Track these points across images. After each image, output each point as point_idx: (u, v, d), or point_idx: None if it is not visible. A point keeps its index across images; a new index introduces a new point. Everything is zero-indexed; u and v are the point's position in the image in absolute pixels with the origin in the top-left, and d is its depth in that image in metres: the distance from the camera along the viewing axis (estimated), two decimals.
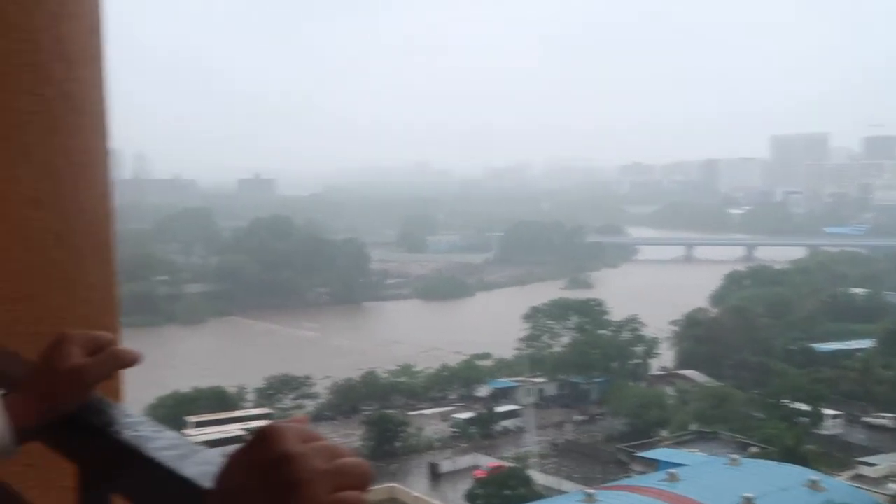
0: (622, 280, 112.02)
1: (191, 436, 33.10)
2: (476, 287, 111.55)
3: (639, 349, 66.13)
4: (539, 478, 46.73)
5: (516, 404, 59.87)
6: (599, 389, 61.32)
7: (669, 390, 59.77)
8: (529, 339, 68.58)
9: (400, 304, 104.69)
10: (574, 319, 69.07)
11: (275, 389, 58.70)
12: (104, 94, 2.34)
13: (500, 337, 69.77)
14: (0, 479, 1.38)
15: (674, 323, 70.96)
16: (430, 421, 57.29)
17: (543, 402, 61.81)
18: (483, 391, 62.47)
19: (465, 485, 46.46)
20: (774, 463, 42.35)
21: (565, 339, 67.65)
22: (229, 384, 57.48)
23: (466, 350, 69.28)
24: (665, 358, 68.36)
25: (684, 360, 67.02)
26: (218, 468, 0.91)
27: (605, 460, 51.92)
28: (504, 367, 66.70)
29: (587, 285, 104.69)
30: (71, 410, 1.30)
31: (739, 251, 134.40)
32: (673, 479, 38.77)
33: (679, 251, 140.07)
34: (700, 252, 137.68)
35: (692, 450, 49.28)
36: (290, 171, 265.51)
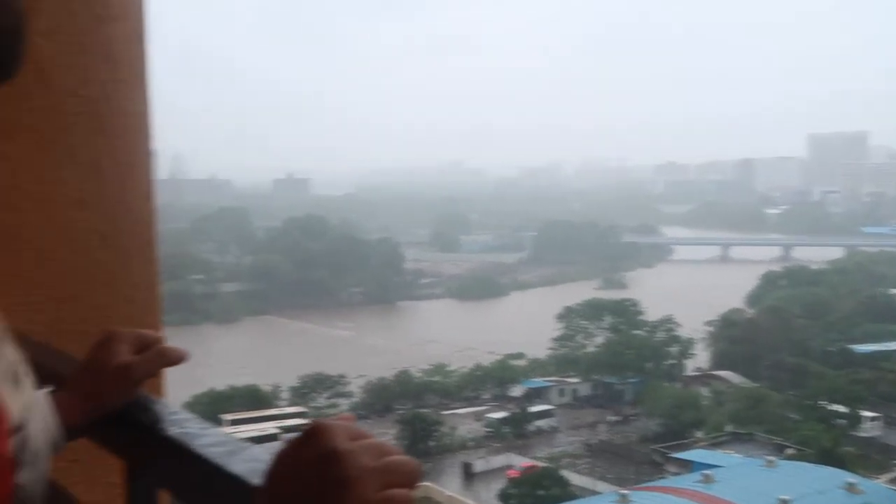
0: (657, 280, 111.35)
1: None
2: (509, 287, 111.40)
3: (674, 350, 65.72)
4: (573, 478, 46.56)
5: (550, 404, 59.74)
6: (634, 390, 61.03)
7: (704, 391, 59.33)
8: (563, 339, 68.38)
9: (433, 303, 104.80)
10: (608, 319, 68.78)
11: (309, 388, 59.01)
12: (147, 95, 2.37)
13: (534, 337, 69.62)
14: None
15: (709, 323, 70.44)
16: (464, 420, 57.29)
17: (577, 403, 61.66)
18: (516, 391, 62.37)
19: (498, 484, 46.42)
20: (811, 465, 41.90)
21: (599, 340, 67.39)
22: (264, 382, 57.88)
23: (500, 350, 69.22)
24: (700, 358, 67.88)
25: (720, 361, 66.49)
26: (266, 465, 0.91)
27: (639, 461, 51.64)
28: (537, 366, 66.57)
29: (621, 285, 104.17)
30: (118, 407, 1.32)
31: (776, 251, 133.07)
32: (708, 480, 38.48)
33: (714, 251, 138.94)
34: (736, 252, 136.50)
35: (727, 451, 48.88)
36: (324, 170, 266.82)
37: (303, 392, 58.82)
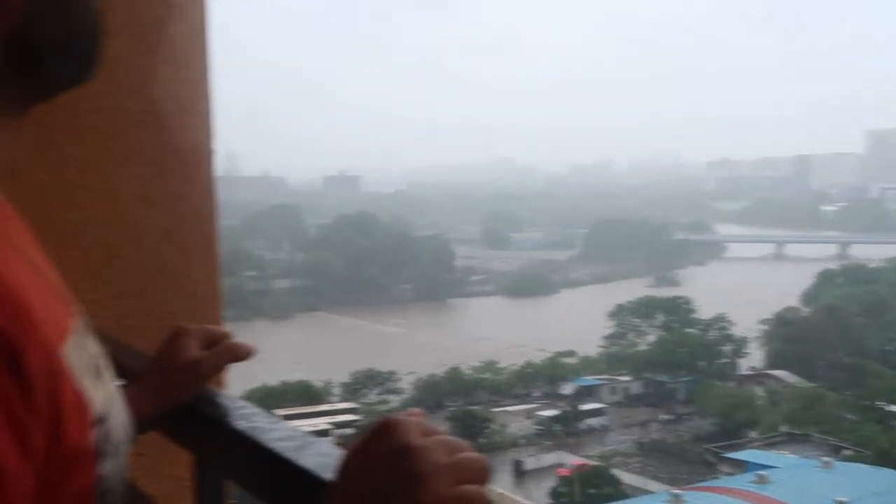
0: (710, 278, 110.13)
1: None
2: (560, 284, 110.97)
3: (727, 348, 64.95)
4: (624, 477, 46.29)
5: (601, 402, 59.44)
6: (686, 389, 60.48)
7: (759, 391, 58.59)
8: (615, 337, 67.96)
9: (484, 300, 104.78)
10: (660, 317, 68.18)
11: (360, 384, 59.35)
12: (209, 93, 2.41)
13: (585, 334, 69.29)
14: None
15: (764, 322, 69.52)
16: (514, 418, 57.21)
17: (629, 401, 61.27)
18: (567, 389, 62.11)
19: (549, 482, 46.29)
20: (869, 467, 41.15)
21: (651, 338, 66.84)
22: (316, 378, 58.33)
23: (551, 347, 69.00)
24: (754, 357, 67.04)
25: (774, 360, 65.60)
26: (337, 460, 0.91)
27: (691, 461, 51.16)
28: (589, 364, 66.25)
29: (674, 283, 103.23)
30: (187, 402, 1.34)
31: (832, 249, 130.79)
32: (762, 481, 37.98)
33: (769, 248, 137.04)
34: (791, 249, 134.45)
35: (782, 452, 48.16)
36: (375, 168, 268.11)
37: (354, 388, 59.17)
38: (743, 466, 44.66)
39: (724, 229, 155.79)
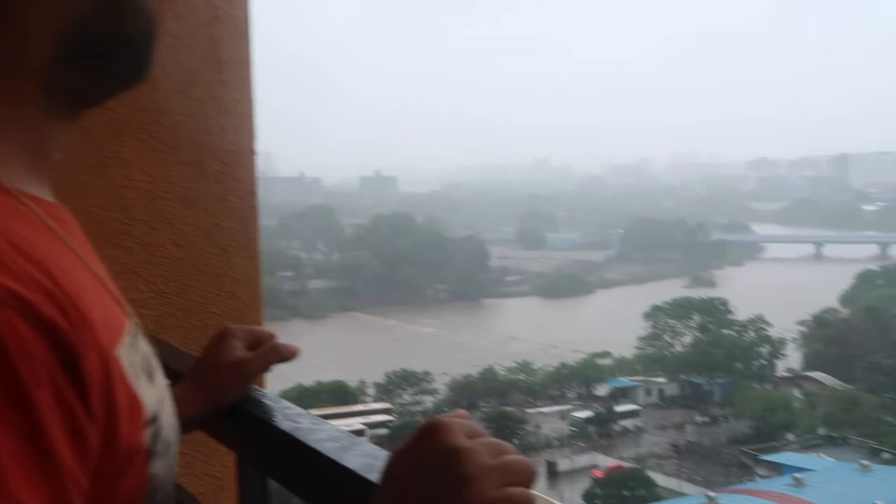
0: (747, 279, 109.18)
1: None
2: (596, 284, 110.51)
3: (764, 350, 64.32)
4: (659, 479, 46.01)
5: (636, 404, 59.11)
6: (722, 390, 59.99)
7: (796, 393, 57.99)
8: (650, 338, 67.57)
9: (519, 301, 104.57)
10: (697, 318, 67.68)
11: (394, 384, 59.42)
12: (251, 95, 2.43)
13: (620, 335, 68.97)
14: None
15: (801, 323, 68.77)
16: (549, 419, 57.06)
17: (664, 403, 60.90)
18: (602, 390, 61.87)
19: (583, 484, 46.11)
20: None
21: (687, 339, 66.38)
22: (350, 378, 58.51)
23: (585, 348, 68.75)
24: (792, 359, 66.37)
25: (812, 362, 64.88)
26: (382, 461, 0.91)
27: (727, 463, 50.73)
28: (624, 365, 65.93)
29: (710, 284, 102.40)
30: (232, 402, 1.35)
31: (872, 249, 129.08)
32: (799, 484, 37.61)
33: (807, 249, 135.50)
34: (830, 250, 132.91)
35: (820, 455, 47.65)
36: (410, 168, 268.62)
37: (388, 388, 59.28)
38: (779, 469, 44.25)
39: (761, 229, 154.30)
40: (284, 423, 1.25)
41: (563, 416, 57.63)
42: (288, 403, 1.34)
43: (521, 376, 63.46)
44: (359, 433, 44.74)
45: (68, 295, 0.72)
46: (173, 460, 0.91)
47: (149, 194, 2.29)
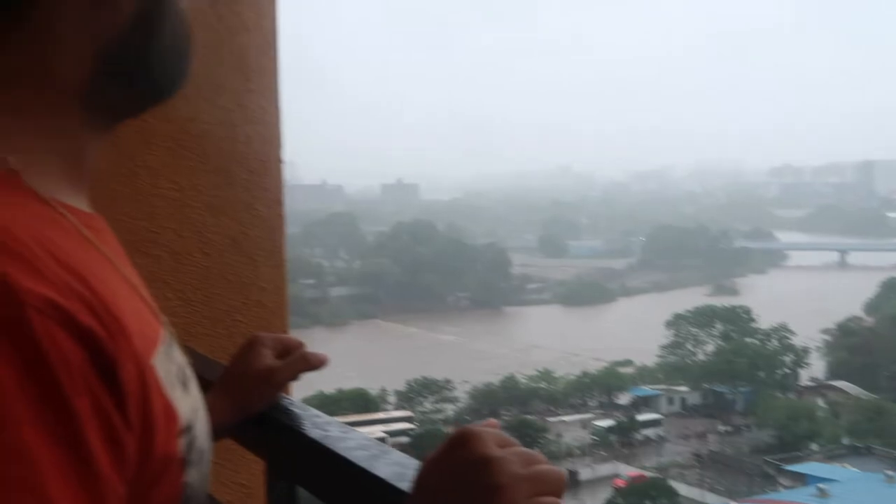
0: (770, 286, 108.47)
1: None
2: (617, 292, 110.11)
3: (788, 359, 63.88)
4: (681, 489, 45.76)
5: (658, 413, 58.84)
6: (745, 399, 59.63)
7: (820, 402, 57.56)
8: (672, 347, 67.26)
9: (540, 308, 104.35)
10: (719, 327, 67.33)
11: (415, 392, 59.43)
12: (277, 104, 2.44)
13: (642, 343, 68.68)
14: None
15: (826, 332, 68.25)
16: (570, 427, 56.89)
17: (686, 412, 60.59)
18: (624, 399, 61.63)
19: (604, 493, 45.92)
20: None
21: (710, 347, 66.02)
22: (371, 386, 58.53)
23: (607, 356, 68.51)
24: (816, 368, 65.85)
25: (837, 371, 64.36)
26: (412, 469, 0.92)
27: (750, 473, 50.38)
28: (646, 374, 65.64)
29: (733, 292, 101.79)
30: (260, 410, 1.36)
31: None
32: (823, 494, 37.36)
33: (832, 257, 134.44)
34: (854, 258, 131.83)
35: (844, 465, 47.27)
36: (432, 175, 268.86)
37: (409, 396, 59.27)
38: (803, 480, 43.93)
39: (785, 237, 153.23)
40: (314, 432, 1.25)
41: (584, 424, 57.44)
42: (316, 412, 1.34)
43: (543, 385, 63.30)
44: (380, 441, 44.83)
45: (105, 304, 0.73)
46: (207, 469, 0.92)
47: (177, 203, 2.30)
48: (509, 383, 61.34)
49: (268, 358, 1.36)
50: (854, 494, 37.76)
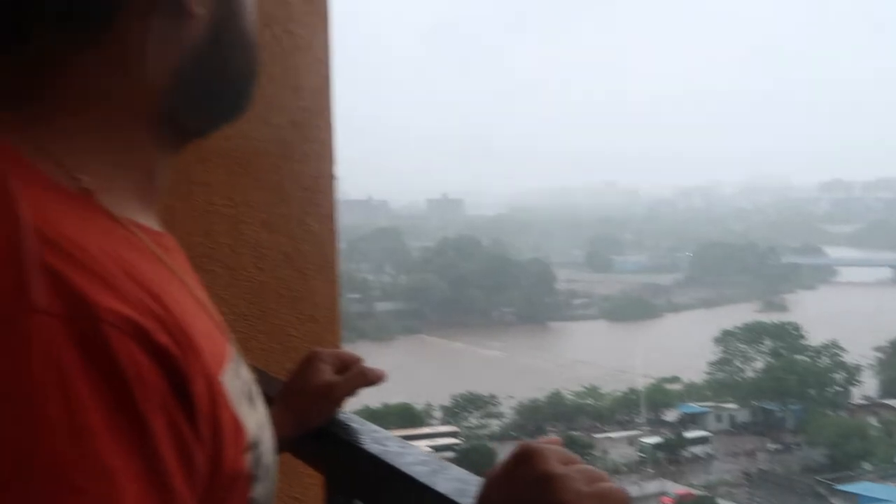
0: (820, 303, 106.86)
1: None
2: (664, 308, 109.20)
3: (839, 376, 62.80)
4: None
5: (706, 430, 58.18)
6: (795, 417, 58.72)
7: (873, 421, 56.50)
8: (720, 364, 66.48)
9: (586, 324, 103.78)
10: (768, 343, 66.43)
11: (460, 407, 59.35)
12: (331, 121, 2.47)
13: (690, 360, 67.98)
14: None
15: (878, 349, 67.05)
16: (617, 444, 56.43)
17: (735, 429, 59.84)
18: (671, 415, 61.03)
19: None
20: None
21: (759, 364, 65.15)
22: (416, 401, 58.56)
23: (654, 373, 67.89)
24: (868, 386, 64.66)
25: (890, 389, 63.16)
26: (472, 486, 0.92)
27: (801, 492, 49.61)
28: (693, 391, 64.94)
29: (782, 308, 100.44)
30: (318, 425, 1.37)
31: None
32: None
33: (884, 273, 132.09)
34: None
35: None
36: (477, 191, 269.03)
37: (454, 411, 59.21)
38: (855, 500, 43.21)
39: (835, 252, 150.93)
40: (372, 447, 1.25)
41: (631, 441, 56.97)
42: (374, 426, 1.36)
43: (589, 401, 62.89)
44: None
45: (177, 322, 0.74)
46: (272, 485, 0.92)
47: (232, 219, 2.34)
48: (555, 399, 61.02)
49: (326, 373, 1.38)
50: None
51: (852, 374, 63.09)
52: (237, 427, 0.81)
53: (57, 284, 0.68)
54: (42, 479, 0.63)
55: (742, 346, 66.79)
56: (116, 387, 0.67)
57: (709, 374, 66.36)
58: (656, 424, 60.31)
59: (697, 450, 55.73)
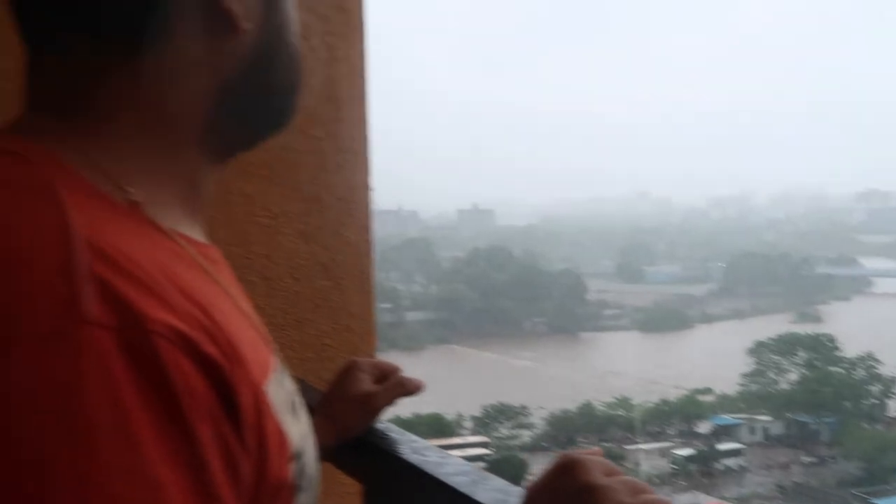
0: (855, 314, 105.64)
1: None
2: (696, 319, 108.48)
3: (875, 388, 62.06)
4: None
5: (739, 442, 57.69)
6: (830, 430, 58.07)
7: None
8: (754, 375, 65.89)
9: (617, 335, 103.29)
10: (802, 355, 65.77)
11: (491, 418, 59.27)
12: (366, 133, 2.49)
13: (722, 371, 67.47)
14: None
15: None
16: (649, 456, 56.08)
17: (769, 441, 59.28)
18: (704, 427, 60.56)
19: None
20: None
21: (793, 376, 64.51)
22: (447, 411, 58.53)
23: (686, 384, 67.40)
24: None
25: None
26: (513, 496, 0.93)
27: None
28: (726, 402, 64.40)
29: (816, 319, 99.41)
30: (357, 434, 1.38)
31: None
32: None
33: None
34: None
35: None
36: (508, 201, 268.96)
37: (485, 422, 59.14)
38: None
39: (871, 263, 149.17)
40: (412, 456, 1.26)
41: (663, 453, 56.61)
42: (413, 436, 1.36)
43: (620, 412, 62.55)
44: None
45: (223, 332, 0.75)
46: (315, 495, 0.93)
47: (269, 229, 2.36)
48: (586, 410, 60.77)
49: (365, 383, 1.39)
50: None
51: (888, 386, 62.31)
52: (281, 437, 0.82)
53: (107, 296, 0.69)
54: (92, 489, 0.63)
55: (776, 358, 66.18)
56: (165, 398, 0.67)
57: (742, 385, 65.79)
58: (689, 436, 59.89)
59: (731, 462, 55.27)
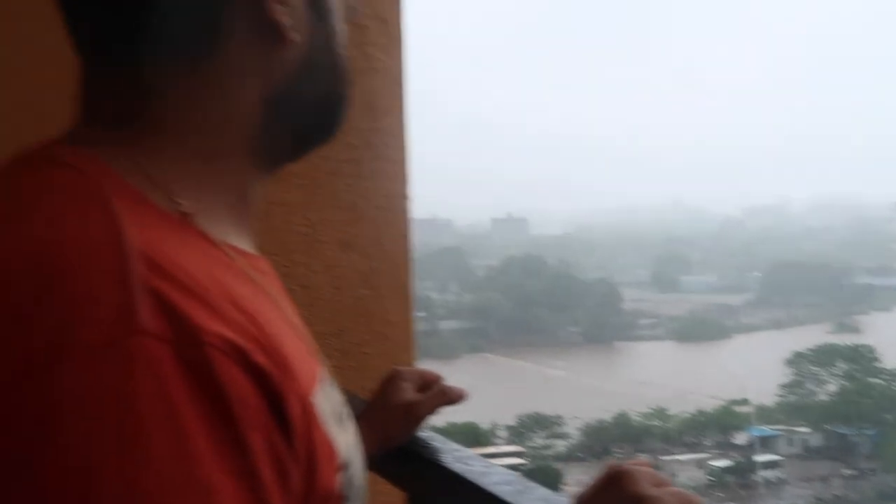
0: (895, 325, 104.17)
1: None
2: (733, 329, 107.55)
3: None
4: None
5: (777, 454, 57.09)
6: (871, 442, 57.27)
7: None
8: (792, 386, 65.18)
9: (653, 344, 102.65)
10: (841, 366, 64.96)
11: (526, 427, 59.11)
12: (405, 141, 2.50)
13: (760, 382, 66.77)
14: None
15: None
16: (685, 467, 55.63)
17: (807, 453, 58.60)
18: (741, 439, 59.97)
19: None
20: None
21: (832, 387, 63.72)
22: (482, 420, 58.43)
23: (723, 395, 66.81)
24: None
25: None
26: None
27: None
28: (764, 414, 63.72)
29: (855, 330, 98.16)
30: (400, 443, 1.38)
31: None
32: None
33: None
34: None
35: None
36: (543, 209, 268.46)
37: (520, 431, 58.99)
38: None
39: None
40: (456, 466, 1.26)
41: (699, 464, 56.16)
42: (456, 445, 1.36)
43: (656, 422, 62.14)
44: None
45: (273, 343, 0.76)
46: None
47: (308, 238, 2.37)
48: (621, 420, 60.43)
49: (408, 392, 1.40)
50: None
51: None
52: (329, 447, 0.82)
53: (162, 307, 0.69)
54: (140, 497, 0.64)
55: (814, 369, 65.42)
56: (220, 409, 0.68)
57: (780, 396, 65.08)
58: (726, 447, 59.35)
59: (768, 474, 54.71)
